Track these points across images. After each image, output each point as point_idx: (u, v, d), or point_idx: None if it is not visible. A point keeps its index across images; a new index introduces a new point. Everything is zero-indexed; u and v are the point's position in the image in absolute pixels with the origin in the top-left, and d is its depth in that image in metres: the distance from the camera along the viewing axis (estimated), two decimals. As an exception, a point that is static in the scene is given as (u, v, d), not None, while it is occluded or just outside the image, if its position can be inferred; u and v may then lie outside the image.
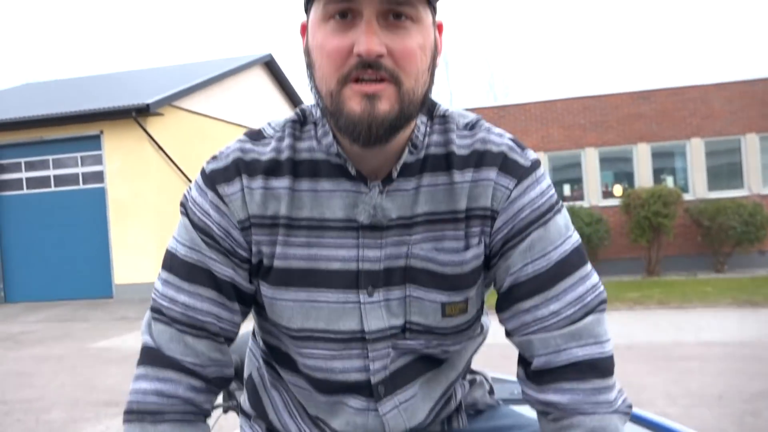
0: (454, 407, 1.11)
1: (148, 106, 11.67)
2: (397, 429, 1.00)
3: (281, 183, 0.93)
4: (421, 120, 0.96)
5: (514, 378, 1.13)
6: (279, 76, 18.45)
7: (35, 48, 55.72)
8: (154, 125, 12.32)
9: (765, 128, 11.91)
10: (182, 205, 0.97)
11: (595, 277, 0.96)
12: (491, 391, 1.20)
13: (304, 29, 0.92)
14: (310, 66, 0.89)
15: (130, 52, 55.71)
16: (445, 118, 0.99)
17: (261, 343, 1.09)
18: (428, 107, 0.97)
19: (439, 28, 0.93)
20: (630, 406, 0.94)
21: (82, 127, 12.47)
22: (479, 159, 0.95)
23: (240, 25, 60.65)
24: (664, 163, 12.50)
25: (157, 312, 0.95)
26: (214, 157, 0.97)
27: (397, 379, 0.99)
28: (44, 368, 6.80)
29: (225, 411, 1.68)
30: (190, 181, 13.00)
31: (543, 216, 0.94)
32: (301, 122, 0.98)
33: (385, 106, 0.83)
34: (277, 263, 0.94)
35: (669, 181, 12.39)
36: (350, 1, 0.82)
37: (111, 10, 59.96)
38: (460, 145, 0.96)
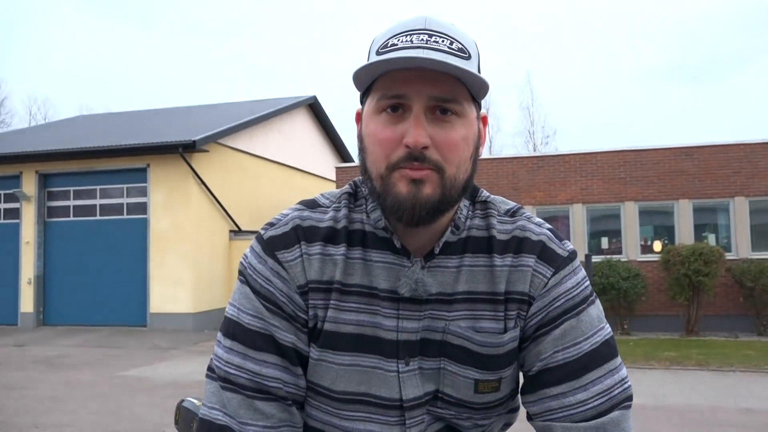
0: None
1: (194, 142, 12.01)
2: None
3: (338, 250, 0.99)
4: (464, 203, 1.02)
5: None
6: (322, 117, 18.83)
7: (90, 77, 58.21)
8: (198, 161, 12.67)
9: (813, 189, 11.61)
10: (241, 273, 1.01)
11: (623, 372, 0.98)
12: None
13: (358, 117, 1.00)
14: (362, 150, 0.96)
15: (180, 88, 57.70)
16: (486, 204, 1.05)
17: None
18: (471, 192, 1.03)
19: (483, 120, 1.00)
20: None
21: (130, 159, 12.90)
22: (518, 245, 0.99)
23: (286, 66, 62.38)
24: (706, 219, 12.23)
25: (225, 380, 0.96)
26: (271, 224, 1.02)
27: None
28: (76, 394, 6.91)
29: None
30: (228, 215, 13.26)
31: (577, 306, 0.97)
32: (354, 195, 1.05)
33: (429, 190, 0.90)
34: (327, 326, 0.98)
35: (711, 238, 12.09)
36: (401, 98, 0.90)
37: (162, 48, 62.44)
38: (501, 230, 1.01)
